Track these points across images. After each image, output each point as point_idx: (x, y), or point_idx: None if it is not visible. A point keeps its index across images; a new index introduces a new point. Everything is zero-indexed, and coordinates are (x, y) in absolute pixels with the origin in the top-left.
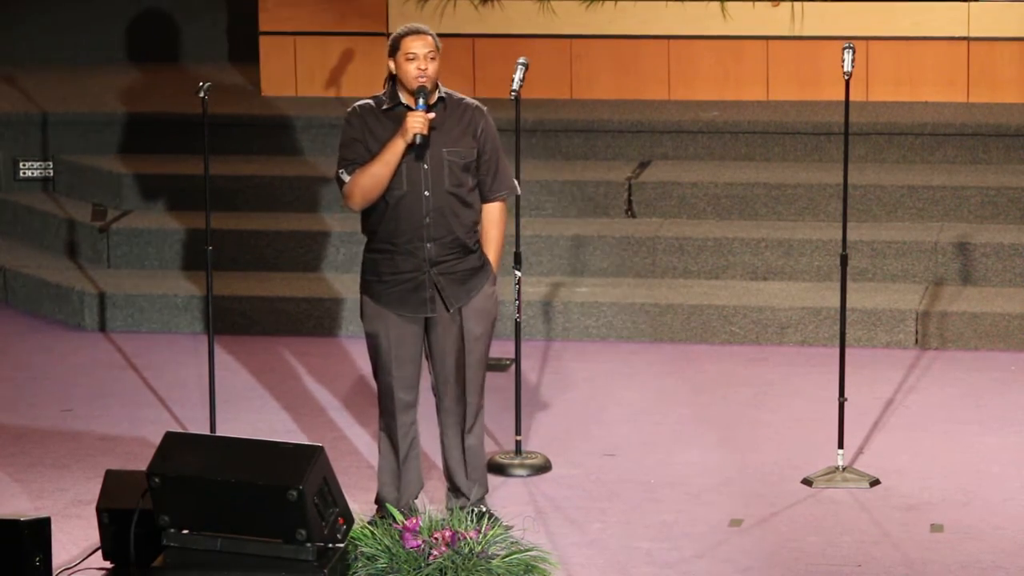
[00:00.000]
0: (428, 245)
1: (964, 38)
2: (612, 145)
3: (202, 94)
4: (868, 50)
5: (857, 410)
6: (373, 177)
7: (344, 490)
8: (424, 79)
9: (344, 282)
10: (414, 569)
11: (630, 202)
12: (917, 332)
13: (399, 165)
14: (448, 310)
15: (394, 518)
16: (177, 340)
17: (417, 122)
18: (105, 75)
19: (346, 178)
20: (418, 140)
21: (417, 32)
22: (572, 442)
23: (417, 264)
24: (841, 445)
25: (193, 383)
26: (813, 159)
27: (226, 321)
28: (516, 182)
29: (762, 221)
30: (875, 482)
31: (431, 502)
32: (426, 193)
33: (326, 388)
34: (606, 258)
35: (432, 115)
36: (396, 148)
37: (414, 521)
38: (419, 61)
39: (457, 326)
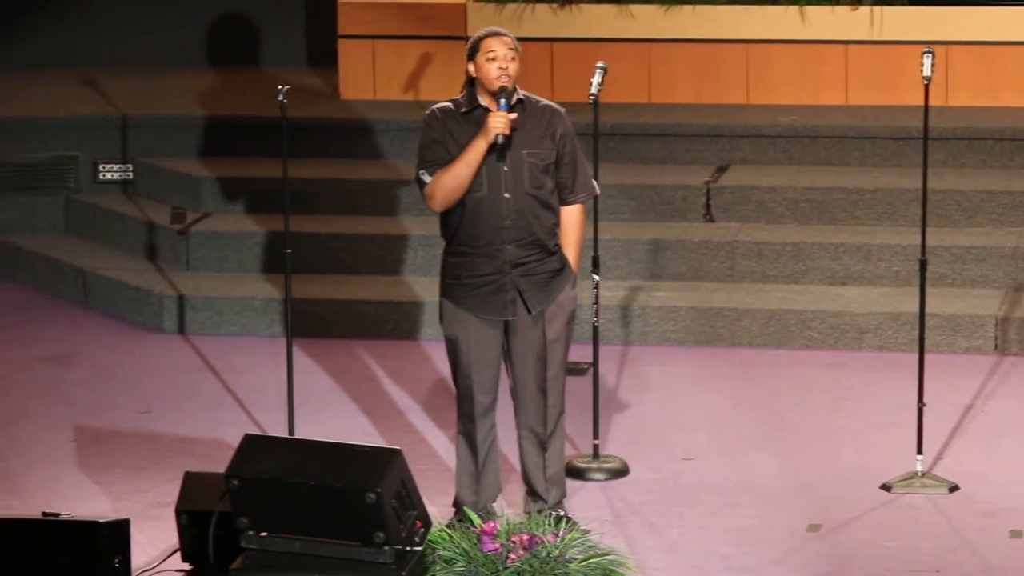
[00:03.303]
0: (508, 247)
1: None
2: (690, 149)
3: (281, 97)
4: (948, 55)
5: (936, 416)
6: (455, 178)
7: (422, 493)
8: (505, 79)
9: (423, 285)
10: (491, 572)
11: (708, 206)
12: (996, 338)
13: (479, 167)
14: (530, 313)
15: (472, 521)
16: (255, 343)
17: (499, 122)
18: (184, 78)
19: (427, 179)
20: (500, 140)
21: (496, 34)
22: (650, 446)
23: (498, 266)
24: (920, 451)
25: (271, 386)
26: (892, 164)
27: (304, 324)
28: (595, 183)
29: (841, 226)
30: (954, 488)
31: (509, 506)
32: (506, 195)
33: (404, 391)
34: (684, 262)
35: (514, 115)
36: (478, 148)
37: (492, 524)
38: (500, 61)
39: (538, 329)
